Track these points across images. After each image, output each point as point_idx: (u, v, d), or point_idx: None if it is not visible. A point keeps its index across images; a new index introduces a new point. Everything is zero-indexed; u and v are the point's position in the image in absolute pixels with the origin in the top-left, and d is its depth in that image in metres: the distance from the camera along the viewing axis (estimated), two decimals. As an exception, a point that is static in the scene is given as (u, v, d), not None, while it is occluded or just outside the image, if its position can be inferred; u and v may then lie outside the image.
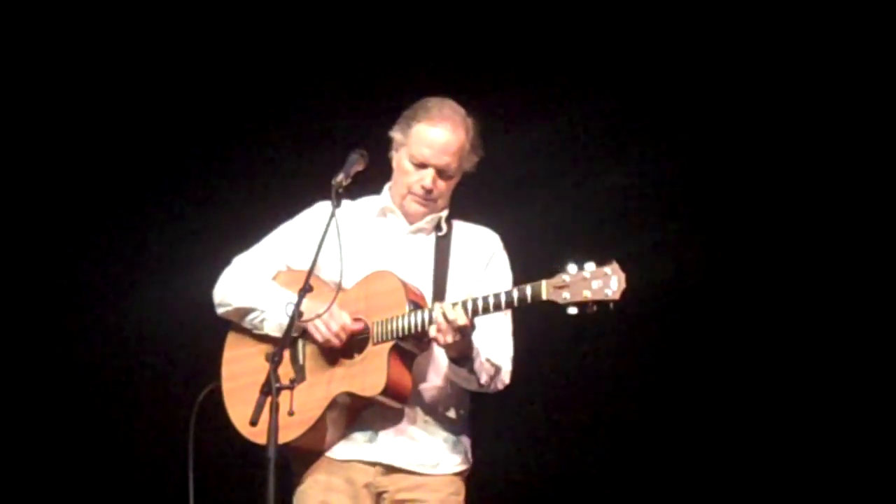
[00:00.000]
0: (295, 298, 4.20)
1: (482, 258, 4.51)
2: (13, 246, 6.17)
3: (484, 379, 4.33)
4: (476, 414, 4.52)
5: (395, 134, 4.48)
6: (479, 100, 4.57)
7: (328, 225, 4.22)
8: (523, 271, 4.41)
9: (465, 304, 4.16)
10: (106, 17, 6.07)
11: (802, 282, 5.79)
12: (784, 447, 5.78)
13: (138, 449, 6.14)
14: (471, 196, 4.63)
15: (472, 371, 4.28)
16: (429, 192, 4.41)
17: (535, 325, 4.60)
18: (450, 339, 4.14)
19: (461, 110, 4.47)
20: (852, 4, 5.63)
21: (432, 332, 4.16)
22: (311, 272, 4.18)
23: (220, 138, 6.16)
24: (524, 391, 5.22)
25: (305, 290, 4.13)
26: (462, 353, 4.25)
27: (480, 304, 4.17)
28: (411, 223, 4.50)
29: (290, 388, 4.08)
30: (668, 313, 5.83)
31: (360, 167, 4.32)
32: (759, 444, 5.80)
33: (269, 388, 3.99)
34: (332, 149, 4.97)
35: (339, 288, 4.22)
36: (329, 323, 4.27)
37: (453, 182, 4.47)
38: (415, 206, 4.47)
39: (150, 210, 6.22)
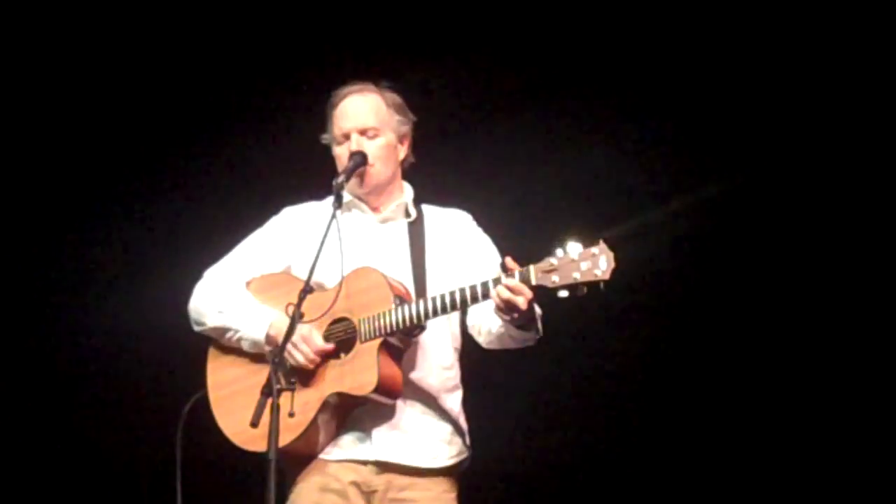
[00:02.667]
0: (269, 311, 4.32)
1: (457, 240, 4.48)
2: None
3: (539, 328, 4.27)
4: (472, 405, 4.47)
5: (325, 136, 4.52)
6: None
7: (329, 226, 4.19)
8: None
9: (452, 294, 4.13)
10: (78, 17, 6.03)
11: (805, 275, 5.79)
12: (789, 442, 5.78)
13: (125, 460, 6.08)
14: (450, 180, 4.68)
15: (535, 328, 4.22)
16: (357, 152, 4.38)
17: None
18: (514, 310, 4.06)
19: (371, 84, 4.50)
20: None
21: (499, 300, 4.04)
22: (311, 274, 4.14)
23: (196, 140, 6.14)
24: (520, 382, 5.23)
25: (306, 290, 4.09)
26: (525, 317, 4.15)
27: (469, 293, 4.13)
28: (376, 211, 4.48)
29: (291, 389, 4.01)
30: (668, 302, 5.83)
31: (361, 169, 4.36)
32: (759, 436, 5.80)
33: (270, 390, 3.94)
34: (310, 156, 4.91)
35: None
36: (301, 347, 4.22)
37: (382, 144, 4.42)
38: (360, 184, 4.42)
39: (130, 214, 6.19)
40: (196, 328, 4.47)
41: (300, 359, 4.22)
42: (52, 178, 6.15)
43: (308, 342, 4.22)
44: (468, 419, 4.45)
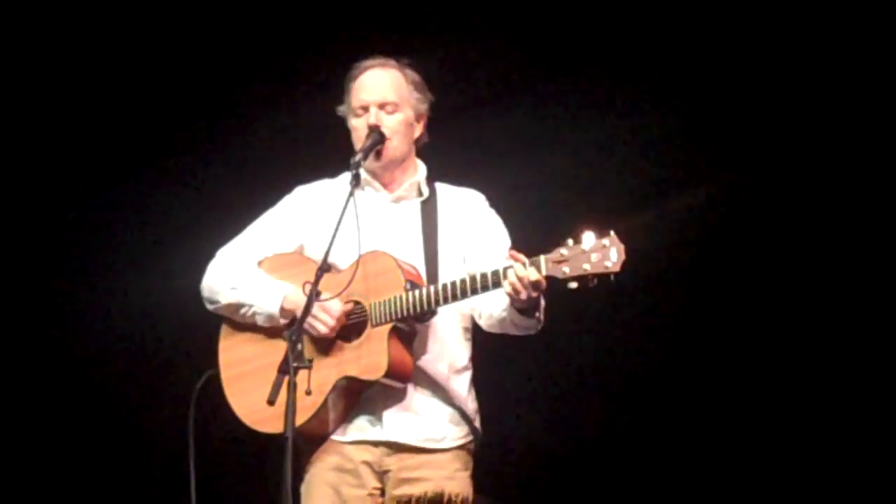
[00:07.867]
0: (283, 285, 4.32)
1: (469, 221, 4.48)
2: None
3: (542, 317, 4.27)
4: (483, 385, 4.50)
5: (341, 108, 4.51)
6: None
7: (346, 204, 4.21)
8: (524, 245, 4.30)
9: (464, 282, 4.14)
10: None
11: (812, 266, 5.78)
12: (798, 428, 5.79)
13: (138, 439, 6.12)
14: (464, 161, 4.70)
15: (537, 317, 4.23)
16: (374, 127, 4.37)
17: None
18: (524, 296, 4.07)
19: (392, 60, 4.49)
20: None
21: (507, 288, 4.07)
22: (328, 253, 4.15)
23: (207, 123, 6.14)
24: (533, 362, 5.24)
25: (323, 269, 4.12)
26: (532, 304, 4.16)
27: (480, 282, 4.13)
28: (388, 187, 4.47)
29: (308, 367, 4.04)
30: (681, 289, 5.85)
31: (378, 148, 4.36)
32: (764, 418, 5.80)
33: (287, 367, 3.95)
34: (321, 136, 4.91)
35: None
36: (321, 317, 4.24)
37: (401, 119, 4.42)
38: (376, 158, 4.40)
39: (143, 196, 6.20)
40: (209, 307, 4.49)
41: (321, 328, 4.24)
42: (67, 157, 6.16)
43: (327, 311, 4.24)
44: (479, 400, 4.46)
